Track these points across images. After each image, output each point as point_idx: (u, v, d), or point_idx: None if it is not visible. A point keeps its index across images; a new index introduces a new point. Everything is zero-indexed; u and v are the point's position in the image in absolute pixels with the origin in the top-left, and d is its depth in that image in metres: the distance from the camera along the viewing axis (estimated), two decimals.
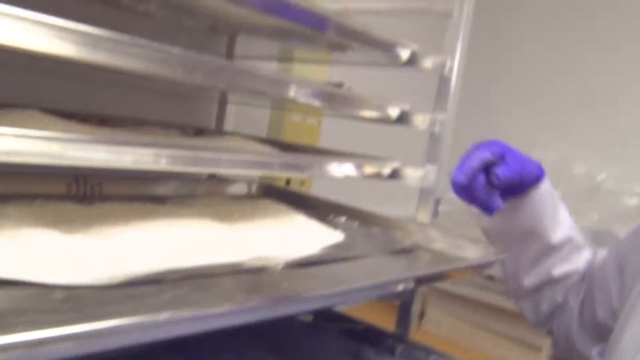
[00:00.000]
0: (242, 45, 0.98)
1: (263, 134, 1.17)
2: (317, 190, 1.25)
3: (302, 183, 1.23)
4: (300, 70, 1.12)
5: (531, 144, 1.55)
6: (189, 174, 0.95)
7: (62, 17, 0.39)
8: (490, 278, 1.29)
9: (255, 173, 0.78)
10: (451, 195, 1.44)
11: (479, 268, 0.78)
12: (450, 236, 0.74)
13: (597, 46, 1.52)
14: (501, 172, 0.67)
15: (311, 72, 1.11)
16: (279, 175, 1.03)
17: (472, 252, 0.70)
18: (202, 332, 0.41)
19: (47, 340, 0.29)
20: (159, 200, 0.75)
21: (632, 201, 1.39)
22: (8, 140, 0.38)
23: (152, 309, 0.35)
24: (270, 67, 1.08)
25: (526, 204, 0.74)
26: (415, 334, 1.44)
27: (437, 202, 0.80)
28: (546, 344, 1.24)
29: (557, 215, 0.77)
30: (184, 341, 0.66)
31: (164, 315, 0.33)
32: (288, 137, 1.17)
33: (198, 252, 0.53)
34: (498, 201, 0.69)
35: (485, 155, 0.67)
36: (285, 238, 0.64)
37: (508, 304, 1.26)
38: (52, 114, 0.65)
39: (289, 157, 0.66)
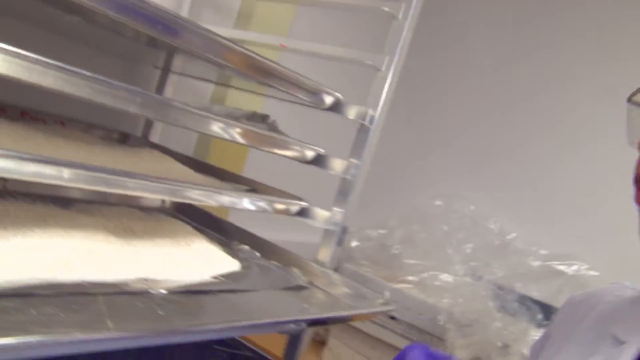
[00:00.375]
0: (180, 62, 0.99)
1: (190, 148, 1.18)
2: (235, 210, 1.26)
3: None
4: (235, 96, 1.14)
5: (454, 195, 1.62)
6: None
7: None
8: (392, 318, 1.33)
9: (165, 197, 0.79)
10: (368, 232, 1.49)
11: (361, 316, 0.81)
12: (340, 280, 0.77)
13: (523, 108, 1.61)
14: None
15: (245, 100, 1.13)
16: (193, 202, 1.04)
17: (361, 302, 0.73)
18: None
19: None
20: (64, 204, 0.75)
21: (536, 263, 1.47)
22: None
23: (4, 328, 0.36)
24: (204, 88, 1.10)
25: None
26: None
27: (341, 241, 0.82)
28: None
29: None
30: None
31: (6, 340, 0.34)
32: (215, 154, 1.18)
33: (83, 267, 0.53)
34: None
35: None
36: (179, 261, 0.65)
37: (404, 344, 1.30)
38: None
39: (198, 189, 0.67)
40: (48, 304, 0.43)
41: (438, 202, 1.54)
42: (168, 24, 0.58)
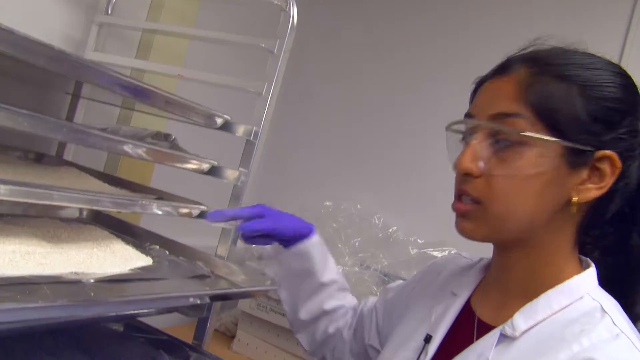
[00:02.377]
0: (89, 89, 1.13)
1: (101, 163, 1.31)
2: (146, 218, 1.40)
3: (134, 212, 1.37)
4: (140, 118, 1.28)
5: (343, 196, 1.83)
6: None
7: None
8: None
9: (86, 207, 0.92)
10: None
11: (251, 293, 0.98)
12: (239, 270, 0.94)
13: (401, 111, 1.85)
14: (245, 226, 0.90)
15: (149, 121, 1.27)
16: (111, 211, 1.17)
17: (251, 282, 0.91)
18: (20, 331, 0.54)
19: None
20: None
21: (414, 251, 1.70)
22: None
23: None
24: (112, 110, 1.23)
25: (300, 251, 0.96)
26: (227, 354, 1.62)
27: (235, 238, 0.99)
28: None
29: (326, 262, 0.99)
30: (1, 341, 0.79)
31: None
32: (124, 168, 1.31)
33: (26, 265, 0.67)
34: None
35: (242, 212, 0.92)
36: (101, 259, 0.79)
37: None
38: None
39: (114, 199, 0.82)
40: (5, 291, 0.57)
41: (327, 203, 1.74)
42: (72, 64, 0.73)
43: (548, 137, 0.63)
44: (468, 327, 0.73)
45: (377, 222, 1.78)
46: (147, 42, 1.29)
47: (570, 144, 0.63)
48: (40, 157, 1.12)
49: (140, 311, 0.86)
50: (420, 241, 1.73)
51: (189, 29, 1.25)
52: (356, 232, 1.74)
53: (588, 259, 0.70)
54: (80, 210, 1.09)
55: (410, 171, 1.81)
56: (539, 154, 0.63)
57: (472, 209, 0.67)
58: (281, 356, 1.55)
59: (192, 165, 0.94)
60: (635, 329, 0.63)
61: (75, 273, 0.69)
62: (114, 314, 0.73)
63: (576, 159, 0.63)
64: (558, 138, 0.63)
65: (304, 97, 2.03)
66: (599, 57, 0.68)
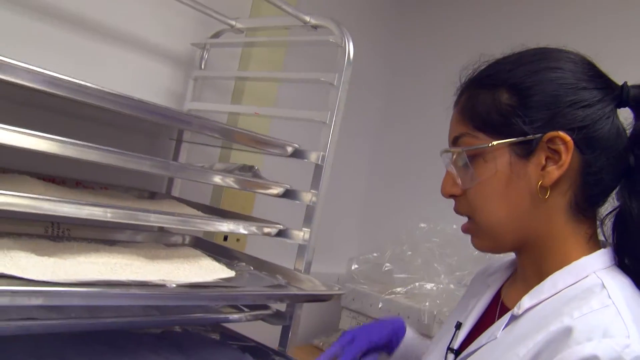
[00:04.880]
0: (189, 134, 1.32)
1: (207, 198, 1.49)
2: (250, 245, 1.56)
3: (238, 240, 1.55)
4: (239, 154, 1.45)
5: (439, 217, 1.88)
6: (142, 226, 1.27)
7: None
8: None
9: (174, 226, 1.07)
10: (365, 256, 1.76)
11: (321, 297, 1.07)
12: (314, 281, 1.06)
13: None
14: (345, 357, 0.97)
15: (246, 156, 1.44)
16: (206, 230, 1.34)
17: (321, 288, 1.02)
18: (127, 330, 0.70)
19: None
20: (110, 243, 1.06)
21: None
22: (7, 197, 0.69)
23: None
24: (212, 150, 1.42)
25: (402, 352, 1.02)
26: None
27: (311, 254, 1.11)
28: None
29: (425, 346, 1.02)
30: (112, 338, 0.96)
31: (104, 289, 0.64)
32: (226, 203, 1.48)
33: (123, 272, 0.83)
34: None
35: (334, 348, 1.00)
36: (187, 270, 0.94)
37: None
38: (38, 177, 0.97)
39: (200, 219, 0.97)
40: (106, 287, 0.74)
41: (422, 225, 1.80)
42: (174, 116, 0.92)
43: (488, 143, 0.70)
44: (494, 314, 0.78)
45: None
46: (239, 88, 1.47)
47: (510, 140, 0.69)
48: (153, 194, 1.32)
49: (223, 316, 1.01)
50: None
51: (262, 72, 1.42)
52: (453, 251, 1.78)
53: (607, 240, 0.73)
54: (184, 237, 1.27)
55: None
56: (489, 159, 0.71)
57: (470, 226, 0.77)
58: None
59: (271, 190, 1.07)
60: (636, 305, 0.65)
61: (162, 280, 0.84)
62: (189, 306, 0.88)
63: (525, 149, 0.69)
64: (499, 140, 0.69)
65: (402, 124, 2.12)
66: (534, 50, 0.74)
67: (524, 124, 0.69)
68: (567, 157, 0.68)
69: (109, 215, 0.81)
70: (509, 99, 0.71)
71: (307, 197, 1.11)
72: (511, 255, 0.94)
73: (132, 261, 0.91)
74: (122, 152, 0.81)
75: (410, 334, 1.03)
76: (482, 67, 0.77)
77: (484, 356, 0.71)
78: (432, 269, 1.70)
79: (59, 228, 1.05)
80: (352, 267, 1.73)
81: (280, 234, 1.10)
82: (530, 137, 0.69)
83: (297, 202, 1.10)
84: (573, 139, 0.68)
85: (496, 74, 0.74)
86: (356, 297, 1.65)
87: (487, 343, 0.72)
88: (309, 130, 1.17)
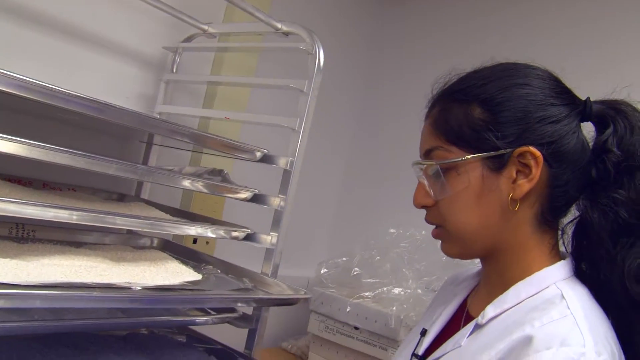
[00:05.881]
0: (160, 137, 1.32)
1: (177, 202, 1.49)
2: (219, 248, 1.57)
3: (207, 242, 1.55)
4: (209, 159, 1.45)
5: (409, 224, 1.91)
6: (110, 228, 1.27)
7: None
8: (356, 328, 1.60)
9: (146, 230, 1.07)
10: (334, 260, 1.77)
11: (287, 301, 1.09)
12: (281, 284, 1.07)
13: None
14: None
15: (218, 161, 1.44)
16: (174, 233, 1.34)
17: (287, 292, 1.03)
18: (91, 332, 0.70)
19: None
20: (76, 245, 1.06)
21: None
22: None
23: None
24: (183, 154, 1.42)
25: None
26: None
27: (279, 258, 1.12)
28: None
29: None
30: (76, 340, 0.96)
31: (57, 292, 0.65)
32: (196, 207, 1.49)
33: (87, 275, 0.83)
34: None
35: None
36: (154, 273, 0.95)
37: (369, 350, 1.56)
38: (4, 179, 0.97)
39: (169, 222, 0.98)
40: (68, 290, 0.74)
41: (392, 230, 1.83)
42: (142, 121, 0.92)
43: (460, 158, 0.72)
44: (459, 322, 0.80)
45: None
46: (211, 93, 1.48)
47: (483, 154, 0.71)
48: (122, 197, 1.32)
49: (189, 319, 1.01)
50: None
51: (234, 77, 1.43)
52: (422, 257, 1.80)
53: (569, 252, 0.76)
54: (152, 240, 1.27)
55: None
56: (462, 172, 0.73)
57: (439, 232, 0.79)
58: None
59: (239, 194, 1.08)
60: (592, 315, 0.68)
61: (127, 282, 0.85)
62: (155, 309, 0.88)
63: (497, 163, 0.71)
64: (471, 154, 0.72)
65: (375, 132, 2.15)
66: (503, 65, 0.76)
67: (496, 139, 0.71)
68: (537, 171, 0.71)
69: (74, 217, 0.82)
70: (481, 114, 0.73)
71: (276, 201, 1.12)
72: (479, 265, 0.96)
73: (98, 263, 0.91)
74: (89, 155, 0.81)
75: None
76: (454, 81, 0.79)
77: None
78: (400, 274, 1.72)
79: (24, 229, 1.05)
80: (321, 271, 1.75)
81: (248, 237, 1.11)
82: (502, 151, 0.71)
83: (266, 206, 1.11)
84: (542, 154, 0.70)
85: (468, 88, 0.76)
86: (325, 300, 1.66)
87: (451, 350, 0.74)
88: (281, 135, 1.19)
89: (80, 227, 1.13)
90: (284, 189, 1.12)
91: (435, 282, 1.74)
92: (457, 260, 1.82)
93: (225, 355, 1.09)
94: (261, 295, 1.02)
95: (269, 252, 1.12)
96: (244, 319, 1.09)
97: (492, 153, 0.71)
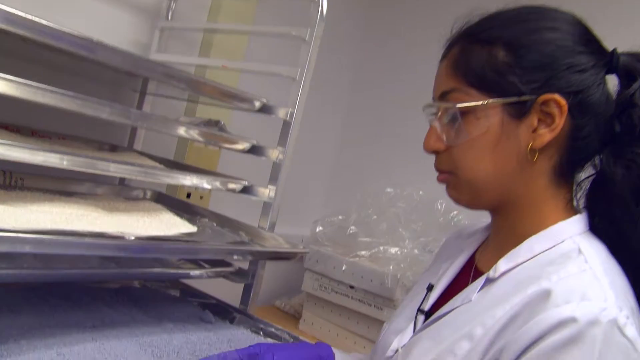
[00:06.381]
0: (154, 86, 1.27)
1: (171, 154, 1.45)
2: (213, 203, 1.53)
3: (201, 197, 1.51)
4: (205, 109, 1.41)
5: (406, 183, 1.88)
6: (101, 178, 1.23)
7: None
8: (352, 287, 1.58)
9: (141, 178, 1.03)
10: (330, 219, 1.74)
11: (284, 255, 1.06)
12: (278, 238, 1.04)
13: None
14: None
15: (213, 112, 1.40)
16: (168, 183, 1.29)
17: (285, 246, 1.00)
18: (82, 284, 0.66)
19: None
20: (67, 195, 1.02)
21: None
22: None
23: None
24: (178, 105, 1.37)
25: None
26: (293, 332, 1.72)
27: (276, 212, 1.09)
28: None
29: None
30: (67, 292, 0.93)
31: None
32: (191, 159, 1.44)
33: (78, 222, 0.80)
34: None
35: (232, 357, 0.77)
36: (147, 224, 0.91)
37: (364, 308, 1.55)
38: None
39: (162, 171, 0.94)
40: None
41: (389, 189, 1.80)
42: (137, 63, 0.87)
43: (481, 102, 0.68)
44: (468, 277, 0.78)
45: (439, 207, 1.81)
46: (208, 41, 1.42)
47: (505, 100, 0.67)
48: (114, 147, 1.27)
49: (183, 272, 0.98)
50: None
51: (232, 24, 1.37)
52: (418, 217, 1.78)
53: (583, 208, 0.73)
54: (145, 192, 1.23)
55: None
56: (481, 117, 0.69)
57: (447, 177, 0.75)
58: (343, 334, 1.63)
59: (237, 145, 1.04)
60: (611, 270, 0.65)
61: (120, 232, 0.81)
62: (147, 260, 0.85)
63: (519, 110, 0.67)
64: (492, 98, 0.67)
65: (371, 87, 2.10)
66: (530, 7, 0.72)
67: (520, 84, 0.67)
68: (561, 121, 0.67)
69: (65, 163, 0.77)
70: (506, 57, 0.69)
71: (274, 153, 1.08)
72: (483, 220, 0.93)
73: (89, 212, 0.87)
74: (80, 96, 0.77)
75: (344, 358, 0.92)
76: (476, 21, 0.74)
77: (458, 318, 0.70)
78: (397, 234, 1.70)
79: (12, 177, 1.00)
80: (317, 229, 1.72)
81: (245, 190, 1.07)
82: (525, 97, 0.67)
83: (263, 159, 1.08)
84: (567, 103, 0.67)
85: (492, 29, 0.71)
86: (320, 259, 1.64)
87: (460, 305, 0.71)
88: (278, 87, 1.14)
89: (70, 176, 1.09)
90: (283, 140, 1.08)
91: (432, 243, 1.73)
92: (455, 221, 1.80)
93: (220, 310, 1.07)
94: (258, 248, 0.99)
95: (266, 207, 1.09)
96: (239, 274, 1.07)
97: (515, 99, 0.68)
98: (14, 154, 0.72)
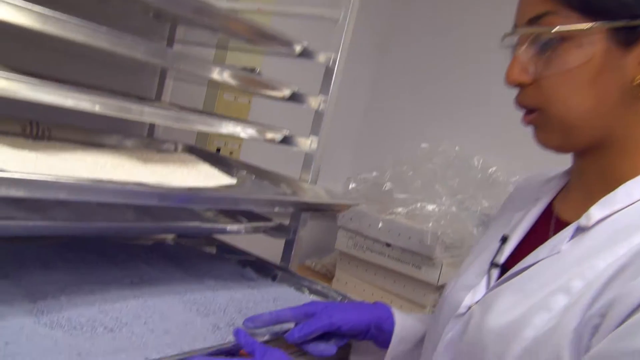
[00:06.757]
0: (183, 32, 1.19)
1: (199, 106, 1.38)
2: (244, 156, 1.47)
3: (231, 153, 1.45)
4: (234, 57, 1.33)
5: (442, 137, 1.80)
6: (130, 129, 1.17)
7: None
8: (388, 245, 1.52)
9: (174, 125, 0.96)
10: (364, 176, 1.68)
11: (334, 207, 1.00)
12: (322, 191, 0.97)
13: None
14: (289, 333, 0.75)
15: (244, 59, 1.32)
16: (197, 130, 1.22)
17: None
18: (115, 240, 0.60)
19: None
20: (97, 147, 0.96)
21: None
22: None
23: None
24: (206, 54, 1.29)
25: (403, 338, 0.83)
26: None
27: (319, 164, 1.02)
28: (430, 301, 1.48)
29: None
30: (101, 248, 0.88)
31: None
32: (220, 110, 1.38)
33: (114, 171, 0.74)
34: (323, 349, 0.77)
35: (285, 316, 0.76)
36: (185, 175, 0.85)
37: (401, 267, 1.49)
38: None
39: (199, 117, 0.87)
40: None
41: (424, 145, 1.72)
42: None
43: (584, 25, 0.59)
44: (547, 227, 0.70)
45: (476, 163, 1.73)
46: None
47: (612, 24, 0.58)
48: (142, 99, 1.20)
49: (221, 226, 0.92)
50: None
51: None
52: (455, 173, 1.70)
53: None
54: (176, 145, 1.17)
55: (510, 109, 1.74)
56: (581, 44, 0.59)
57: (535, 117, 0.66)
58: (378, 294, 1.58)
59: (277, 91, 0.97)
60: None
61: (158, 182, 0.75)
62: (184, 215, 0.79)
63: (628, 37, 0.58)
64: (596, 22, 0.58)
65: (404, 44, 2.01)
66: None
67: (634, 5, 0.58)
68: None
69: (97, 107, 0.71)
70: None
71: (316, 102, 1.01)
72: (556, 168, 0.85)
73: (124, 162, 0.81)
74: (114, 32, 0.69)
75: (404, 320, 0.84)
76: None
77: (546, 270, 0.63)
78: (433, 191, 1.62)
79: (38, 128, 0.94)
80: (350, 186, 1.66)
81: (286, 140, 1.00)
82: (637, 22, 0.58)
83: (298, 113, 1.00)
84: None
85: None
86: (354, 216, 1.58)
87: (547, 257, 0.64)
88: (311, 34, 1.05)
89: (99, 126, 1.03)
90: (325, 88, 1.00)
91: (469, 200, 1.65)
92: (493, 178, 1.73)
93: (260, 268, 1.01)
94: (309, 200, 0.92)
95: (307, 158, 1.02)
96: (280, 229, 1.00)
97: (625, 22, 0.59)
98: (43, 97, 0.65)
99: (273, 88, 0.96)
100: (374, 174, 1.68)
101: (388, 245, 1.53)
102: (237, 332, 0.69)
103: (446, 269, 1.47)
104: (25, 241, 0.84)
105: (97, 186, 0.61)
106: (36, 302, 0.66)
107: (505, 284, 0.65)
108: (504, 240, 0.73)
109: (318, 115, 1.01)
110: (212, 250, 1.09)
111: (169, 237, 1.11)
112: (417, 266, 1.48)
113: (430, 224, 1.47)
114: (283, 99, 0.99)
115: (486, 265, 0.72)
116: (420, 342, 0.83)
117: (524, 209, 0.76)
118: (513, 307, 0.61)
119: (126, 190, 0.64)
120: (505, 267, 0.69)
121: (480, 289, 0.69)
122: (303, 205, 0.93)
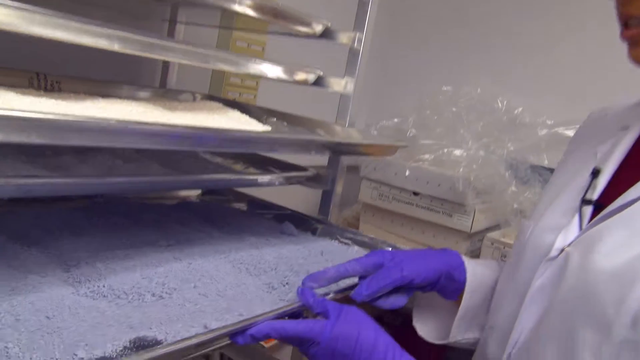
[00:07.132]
0: (185, 12, 1.07)
1: (205, 88, 1.27)
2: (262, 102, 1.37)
3: (248, 103, 1.35)
4: (240, 37, 1.22)
5: (461, 80, 1.70)
6: (142, 80, 1.07)
7: None
8: (416, 194, 1.44)
9: (195, 64, 0.85)
10: (385, 123, 1.59)
11: (383, 150, 0.91)
12: (360, 136, 0.88)
13: None
14: (356, 292, 0.68)
15: (250, 40, 1.21)
16: (216, 68, 1.13)
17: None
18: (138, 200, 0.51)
19: None
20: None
21: (543, 132, 1.56)
22: None
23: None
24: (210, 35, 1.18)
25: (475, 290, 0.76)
26: None
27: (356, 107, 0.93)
28: (462, 249, 1.42)
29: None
30: (127, 211, 0.79)
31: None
32: (228, 91, 1.28)
33: (144, 117, 0.65)
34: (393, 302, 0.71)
35: (354, 269, 0.68)
36: (217, 121, 0.76)
37: (431, 216, 1.42)
38: None
39: (227, 54, 0.77)
40: None
41: (445, 88, 1.63)
42: None
43: None
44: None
45: (500, 105, 1.64)
46: None
47: None
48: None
49: (252, 177, 0.83)
50: (549, 122, 1.58)
51: None
52: (478, 116, 1.62)
53: None
54: (194, 95, 1.07)
55: (534, 47, 1.65)
56: None
57: (637, 32, 0.57)
58: (406, 245, 1.50)
59: (308, 28, 0.86)
60: None
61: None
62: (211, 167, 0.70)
63: None
64: None
65: None
66: None
67: None
68: None
69: (116, 46, 0.61)
70: None
71: (348, 38, 0.91)
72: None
73: (150, 110, 0.72)
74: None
75: (474, 268, 0.77)
76: None
77: None
78: (458, 135, 1.54)
79: (47, 80, 0.84)
80: (374, 132, 1.57)
81: (319, 82, 0.91)
82: None
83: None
84: None
85: None
86: (377, 166, 1.50)
87: None
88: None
89: (110, 76, 0.93)
90: (360, 25, 0.90)
91: (494, 143, 1.57)
92: (520, 119, 1.64)
93: (298, 221, 0.93)
94: (362, 141, 0.83)
95: (343, 101, 0.93)
96: (317, 179, 0.92)
97: None
98: (56, 34, 0.55)
99: (304, 23, 0.86)
100: (396, 120, 1.60)
101: (416, 194, 1.45)
102: (302, 292, 0.61)
103: (478, 216, 1.40)
104: (46, 205, 0.75)
105: (130, 128, 0.51)
106: (70, 271, 0.58)
107: (607, 221, 0.57)
108: (595, 174, 0.64)
109: (353, 53, 0.91)
110: (242, 206, 1.01)
111: (193, 195, 1.02)
112: (448, 214, 1.41)
113: (461, 170, 1.39)
114: (314, 36, 0.89)
115: (575, 203, 0.64)
116: (491, 291, 0.75)
117: (608, 140, 0.68)
118: (627, 245, 0.53)
119: (159, 130, 0.54)
120: (599, 204, 0.61)
121: (573, 229, 0.61)
122: (354, 148, 0.85)
